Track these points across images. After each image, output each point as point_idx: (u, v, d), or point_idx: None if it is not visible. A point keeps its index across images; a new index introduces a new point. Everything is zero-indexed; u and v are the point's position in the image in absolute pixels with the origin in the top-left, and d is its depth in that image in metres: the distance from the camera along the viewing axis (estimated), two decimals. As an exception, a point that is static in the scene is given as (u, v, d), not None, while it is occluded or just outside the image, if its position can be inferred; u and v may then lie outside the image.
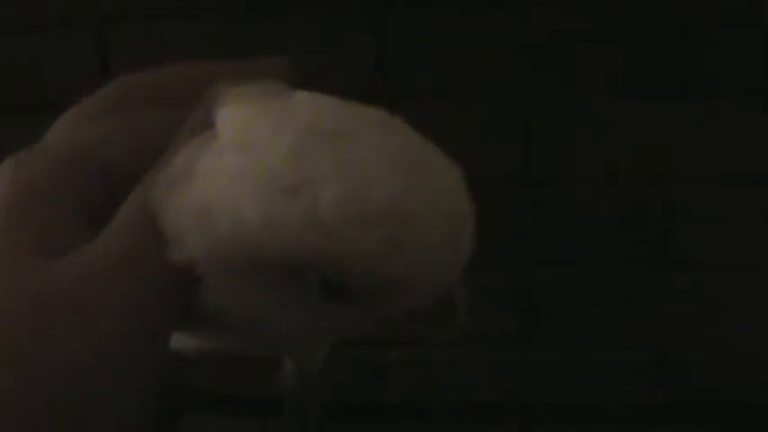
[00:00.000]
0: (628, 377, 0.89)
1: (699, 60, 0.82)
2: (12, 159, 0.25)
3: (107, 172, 0.26)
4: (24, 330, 0.23)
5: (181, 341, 0.29)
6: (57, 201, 0.25)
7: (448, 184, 0.25)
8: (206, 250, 0.24)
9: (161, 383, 0.25)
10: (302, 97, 0.26)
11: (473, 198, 0.26)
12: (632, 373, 0.89)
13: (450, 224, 0.25)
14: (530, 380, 0.90)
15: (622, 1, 0.81)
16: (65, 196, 0.25)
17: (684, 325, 0.88)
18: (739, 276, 0.86)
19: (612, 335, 0.88)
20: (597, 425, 0.89)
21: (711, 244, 0.86)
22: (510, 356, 0.90)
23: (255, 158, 0.24)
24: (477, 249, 0.26)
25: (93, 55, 0.86)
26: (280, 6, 0.83)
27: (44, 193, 0.25)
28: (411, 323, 0.27)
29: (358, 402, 0.91)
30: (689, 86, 0.83)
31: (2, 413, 0.22)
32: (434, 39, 0.83)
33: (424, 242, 0.24)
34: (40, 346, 0.22)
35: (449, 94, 0.84)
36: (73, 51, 0.86)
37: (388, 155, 0.24)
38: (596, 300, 0.87)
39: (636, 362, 0.89)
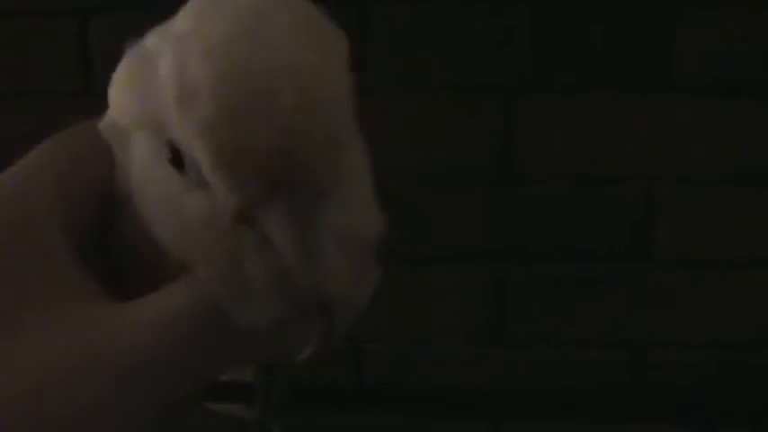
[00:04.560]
0: (604, 372, 0.90)
1: (680, 53, 0.83)
2: None
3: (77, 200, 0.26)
4: (112, 377, 0.23)
5: None
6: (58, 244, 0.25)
7: None
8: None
9: None
10: None
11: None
12: (608, 368, 0.90)
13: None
14: (504, 373, 0.90)
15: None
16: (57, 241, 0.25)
17: (661, 321, 0.88)
18: (718, 273, 0.87)
19: (588, 330, 0.89)
20: (572, 419, 0.90)
21: (691, 241, 0.86)
22: (484, 349, 0.90)
23: None
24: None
25: (76, 45, 0.86)
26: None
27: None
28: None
29: (331, 388, 0.91)
30: (670, 81, 0.83)
31: None
32: (416, 30, 0.84)
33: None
34: (130, 393, 0.24)
35: (429, 85, 0.85)
36: (56, 42, 0.86)
37: None
38: (572, 295, 0.88)
39: (612, 357, 0.90)
